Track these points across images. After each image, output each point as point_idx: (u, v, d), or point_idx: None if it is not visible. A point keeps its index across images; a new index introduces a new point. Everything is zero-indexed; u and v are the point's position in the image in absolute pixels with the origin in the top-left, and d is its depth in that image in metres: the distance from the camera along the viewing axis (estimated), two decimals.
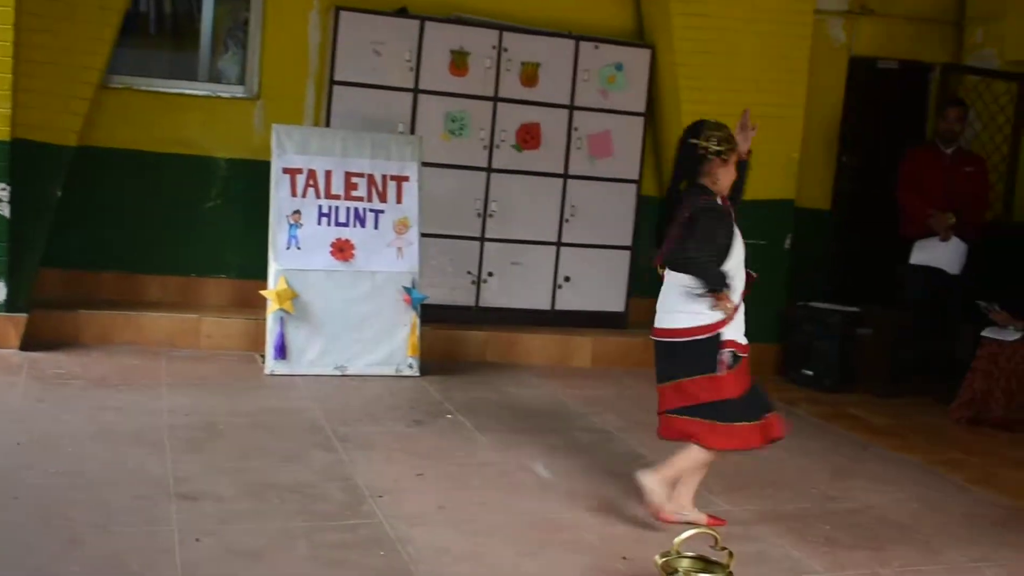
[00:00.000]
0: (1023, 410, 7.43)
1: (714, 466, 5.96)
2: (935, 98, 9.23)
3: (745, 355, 4.83)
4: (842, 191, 9.48)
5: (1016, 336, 7.44)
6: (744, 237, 8.65)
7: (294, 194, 7.27)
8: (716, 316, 4.74)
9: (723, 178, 4.84)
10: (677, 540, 3.99)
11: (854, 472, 6.07)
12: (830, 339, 8.28)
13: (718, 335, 4.76)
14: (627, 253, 8.77)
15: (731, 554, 4.00)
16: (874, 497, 5.15)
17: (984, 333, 7.57)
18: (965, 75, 9.29)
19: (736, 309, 4.81)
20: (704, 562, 4.06)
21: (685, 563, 4.04)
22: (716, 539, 4.04)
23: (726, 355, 4.76)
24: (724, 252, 4.80)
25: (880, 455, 5.69)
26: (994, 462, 6.58)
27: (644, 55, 8.65)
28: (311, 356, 7.21)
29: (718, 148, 4.79)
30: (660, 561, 3.97)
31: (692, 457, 4.85)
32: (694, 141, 4.82)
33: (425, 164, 7.75)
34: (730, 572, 3.95)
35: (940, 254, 8.00)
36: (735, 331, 4.81)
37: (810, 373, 8.39)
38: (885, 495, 5.52)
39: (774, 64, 8.55)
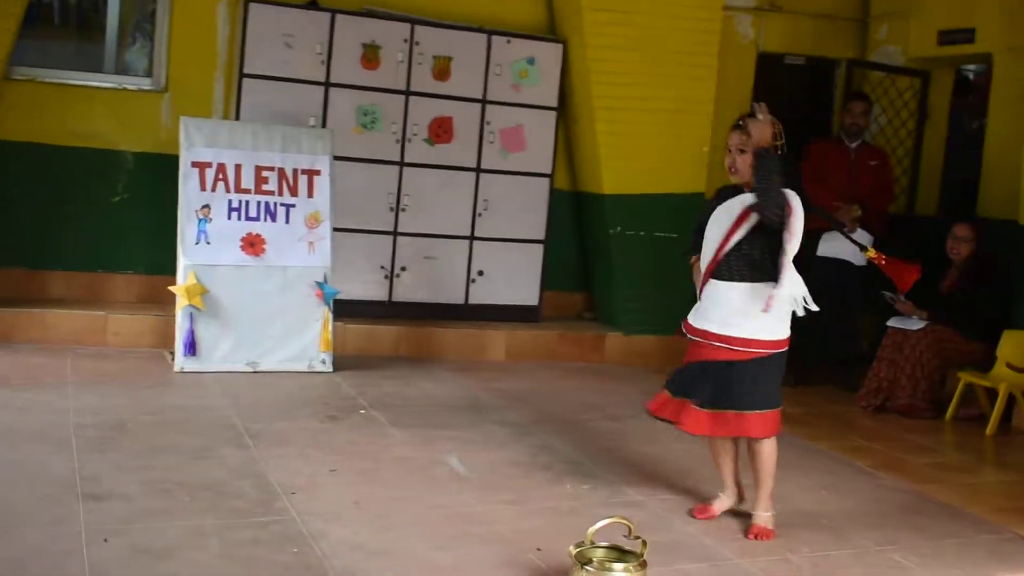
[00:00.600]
0: (928, 397, 7.60)
1: (625, 453, 6.04)
2: (841, 93, 9.39)
3: (693, 337, 4.93)
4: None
5: (920, 325, 7.60)
6: (656, 230, 8.85)
7: (203, 188, 7.18)
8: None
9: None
10: (590, 530, 4.01)
11: None
12: None
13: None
14: (540, 247, 8.80)
15: (644, 543, 4.03)
16: (783, 485, 5.20)
17: (889, 323, 7.73)
18: (870, 71, 9.46)
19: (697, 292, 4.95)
20: (618, 552, 4.08)
21: (599, 553, 4.06)
22: (630, 528, 4.07)
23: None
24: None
25: (790, 443, 5.76)
26: (899, 448, 6.71)
27: (556, 49, 8.68)
28: (222, 353, 7.12)
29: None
30: (574, 552, 3.98)
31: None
32: None
33: (337, 158, 7.70)
34: (643, 561, 3.98)
35: (846, 246, 8.12)
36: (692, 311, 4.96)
37: None
38: (793, 482, 5.58)
39: (684, 59, 8.65)
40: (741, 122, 4.85)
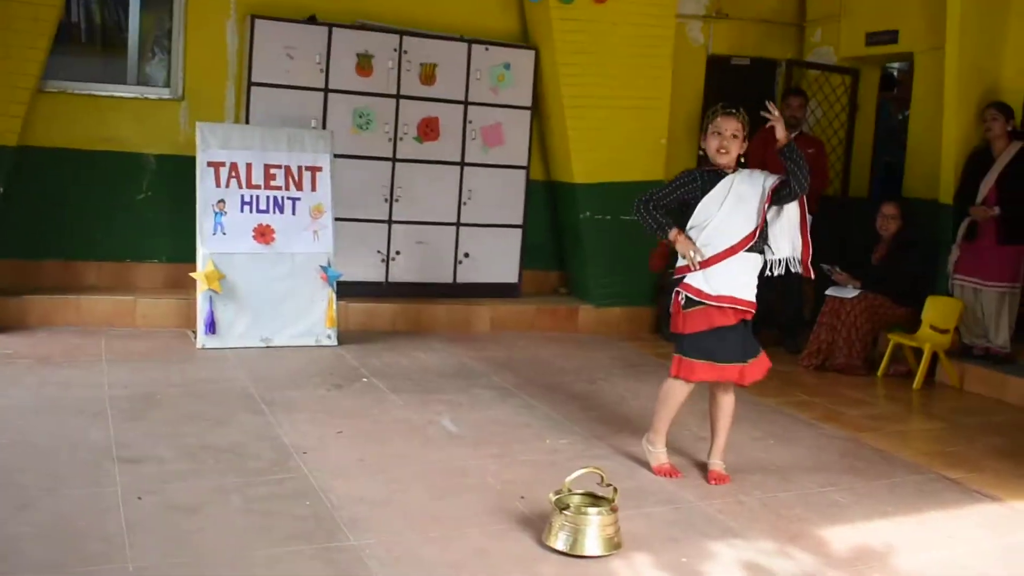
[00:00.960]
0: (862, 357, 7.65)
1: (598, 411, 6.05)
2: (781, 90, 9.40)
3: (709, 303, 4.71)
4: None
5: (854, 293, 7.65)
6: (621, 214, 8.85)
7: (218, 185, 7.15)
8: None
9: (708, 147, 4.80)
10: (567, 480, 4.04)
11: None
12: None
13: (681, 277, 4.80)
14: (519, 231, 8.80)
15: (615, 489, 4.05)
16: (735, 436, 5.24)
17: (828, 292, 7.78)
18: (806, 69, 9.47)
19: (705, 264, 4.70)
20: (592, 497, 4.11)
21: (576, 499, 4.09)
22: (602, 477, 4.09)
23: (681, 296, 4.79)
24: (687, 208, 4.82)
25: (741, 400, 5.76)
26: (837, 402, 6.76)
27: (529, 55, 8.66)
28: (239, 330, 7.11)
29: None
30: (553, 498, 4.01)
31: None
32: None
33: (336, 156, 7.67)
34: (615, 505, 4.00)
35: None
36: (701, 280, 4.73)
37: None
38: (745, 434, 5.62)
39: (642, 62, 8.65)
40: (735, 110, 4.76)
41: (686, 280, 4.77)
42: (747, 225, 4.71)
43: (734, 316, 4.76)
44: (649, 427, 5.05)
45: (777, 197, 4.70)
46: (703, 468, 5.02)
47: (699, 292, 4.73)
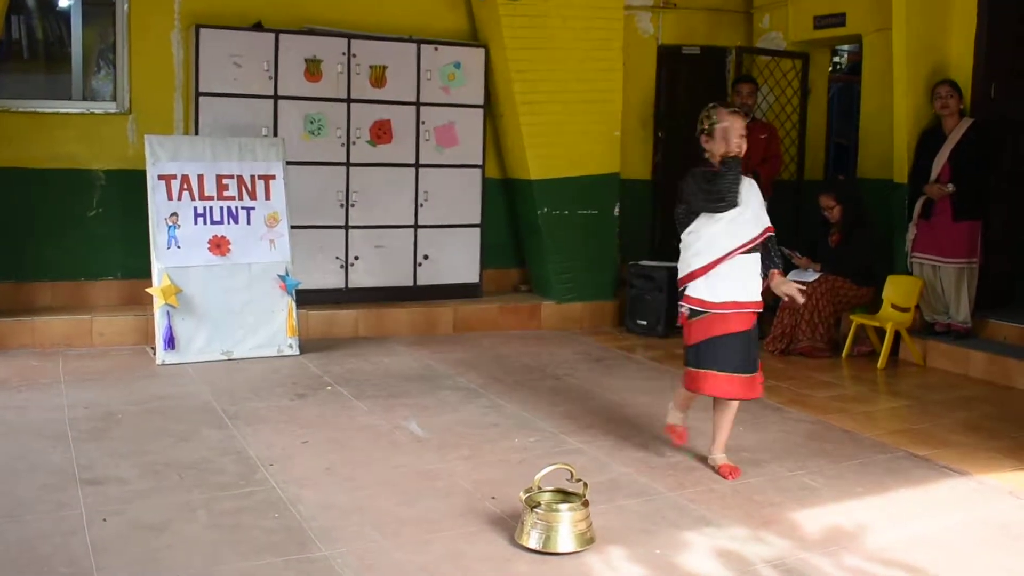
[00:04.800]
0: (825, 339, 7.71)
1: (565, 407, 6.07)
2: (732, 77, 9.46)
3: (713, 311, 4.77)
4: (659, 163, 9.67)
5: (815, 276, 7.71)
6: (578, 208, 8.89)
7: (170, 198, 7.08)
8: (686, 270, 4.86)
9: (720, 146, 4.78)
10: (537, 477, 4.03)
11: None
12: (658, 292, 8.44)
13: (683, 289, 4.87)
14: (477, 230, 8.79)
15: (586, 485, 4.06)
16: (705, 425, 5.26)
17: (788, 276, 7.77)
18: (757, 56, 9.54)
19: (705, 269, 4.76)
20: (563, 494, 4.11)
21: (546, 496, 4.09)
22: (572, 473, 4.10)
23: (684, 309, 4.85)
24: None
25: None
26: (803, 385, 6.81)
27: (479, 53, 8.64)
28: (198, 344, 7.05)
29: (700, 128, 4.85)
30: (524, 497, 4.01)
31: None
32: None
33: (289, 163, 7.63)
34: (586, 500, 4.01)
35: None
36: (704, 290, 4.79)
37: (644, 323, 8.55)
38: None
39: (593, 55, 8.67)
40: (735, 108, 4.89)
41: (687, 292, 4.84)
42: (754, 228, 4.78)
43: (742, 322, 4.80)
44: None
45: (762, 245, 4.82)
46: (675, 459, 5.03)
47: (702, 302, 4.80)
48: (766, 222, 4.83)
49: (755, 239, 4.78)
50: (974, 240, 7.43)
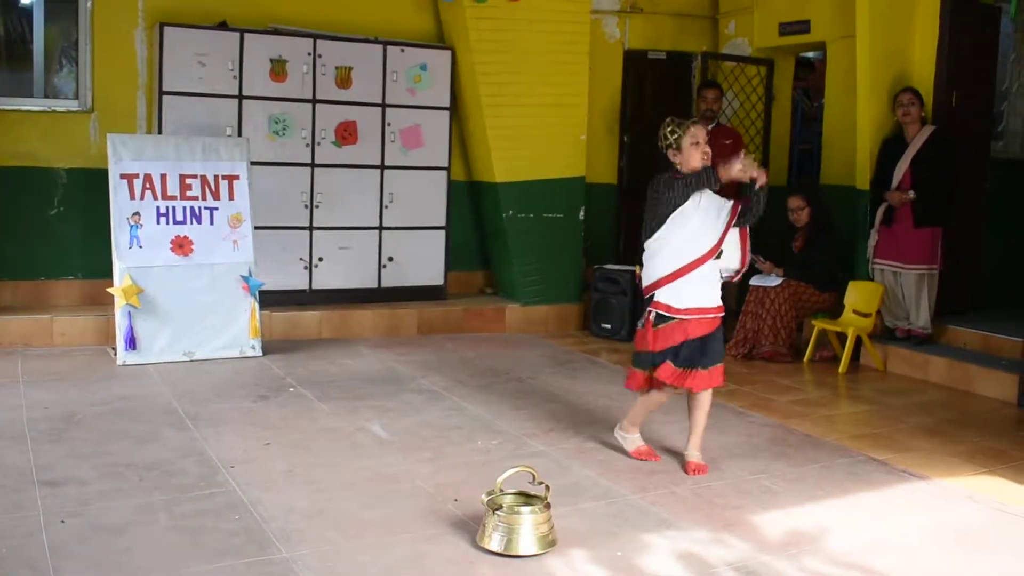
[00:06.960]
0: (787, 344, 7.77)
1: (528, 410, 6.08)
2: (698, 82, 9.51)
3: (679, 317, 4.88)
4: (625, 167, 9.71)
5: (777, 282, 7.77)
6: (544, 211, 8.91)
7: (132, 197, 7.03)
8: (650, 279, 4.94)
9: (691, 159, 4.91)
10: (499, 480, 4.04)
11: None
12: (623, 296, 8.48)
13: (651, 296, 4.95)
14: (442, 232, 8.78)
15: (548, 487, 4.07)
16: (666, 427, 5.30)
17: (751, 281, 7.88)
18: (722, 61, 9.60)
19: (671, 277, 4.87)
20: (525, 496, 4.12)
21: (508, 499, 4.09)
22: (534, 475, 4.11)
23: (652, 315, 4.93)
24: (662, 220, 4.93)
25: (670, 391, 5.86)
26: (765, 389, 6.86)
27: (445, 55, 8.64)
28: (160, 345, 7.00)
29: (665, 143, 4.97)
30: (486, 499, 4.01)
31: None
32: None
33: (253, 163, 7.59)
34: (547, 503, 4.02)
35: None
36: (670, 296, 4.89)
37: (608, 326, 8.58)
38: (676, 425, 5.65)
39: (559, 59, 8.69)
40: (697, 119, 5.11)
41: (656, 298, 4.92)
42: (712, 238, 4.88)
43: (706, 326, 4.92)
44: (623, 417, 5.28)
45: (739, 220, 4.90)
46: (637, 462, 5.05)
47: (669, 308, 4.88)
48: (718, 236, 4.89)
49: (717, 246, 4.89)
50: (934, 246, 7.52)
